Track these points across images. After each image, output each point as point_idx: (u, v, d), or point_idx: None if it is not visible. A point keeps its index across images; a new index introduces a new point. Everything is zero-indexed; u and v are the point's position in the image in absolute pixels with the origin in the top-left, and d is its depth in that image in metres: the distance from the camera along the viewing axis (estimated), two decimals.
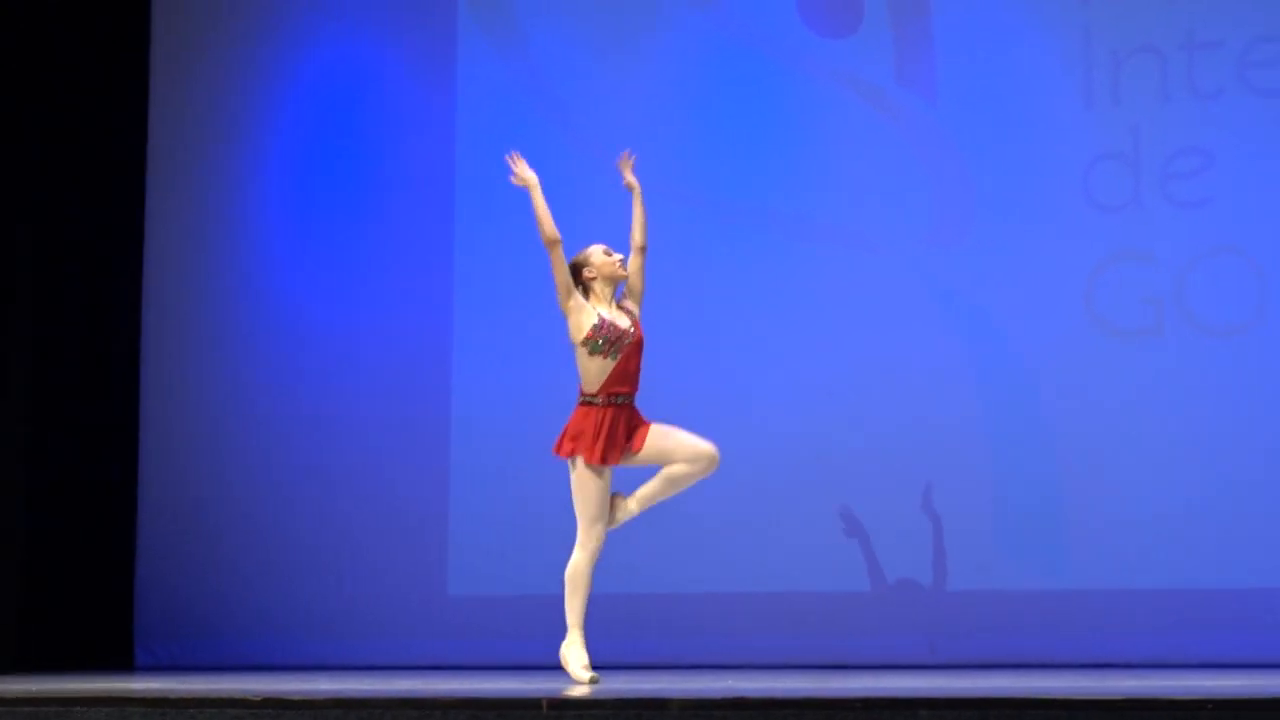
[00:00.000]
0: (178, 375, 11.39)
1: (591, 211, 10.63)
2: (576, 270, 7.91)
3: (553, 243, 7.78)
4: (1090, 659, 9.60)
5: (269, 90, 11.44)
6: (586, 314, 7.80)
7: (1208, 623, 9.67)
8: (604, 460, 7.79)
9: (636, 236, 8.01)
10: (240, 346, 11.31)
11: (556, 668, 10.22)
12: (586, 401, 7.84)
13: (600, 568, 10.48)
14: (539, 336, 10.75)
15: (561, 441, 7.90)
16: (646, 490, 7.91)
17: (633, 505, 7.95)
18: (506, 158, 7.83)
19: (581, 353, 7.82)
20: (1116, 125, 10.08)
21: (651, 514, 10.45)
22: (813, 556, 10.23)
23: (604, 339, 7.79)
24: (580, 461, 7.83)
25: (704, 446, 7.80)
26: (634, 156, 8.07)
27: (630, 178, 8.04)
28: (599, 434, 7.79)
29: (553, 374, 10.69)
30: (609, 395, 7.81)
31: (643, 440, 7.80)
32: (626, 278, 7.93)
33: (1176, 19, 9.99)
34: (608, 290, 7.90)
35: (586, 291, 7.89)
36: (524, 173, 7.85)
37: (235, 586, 11.11)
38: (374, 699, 6.49)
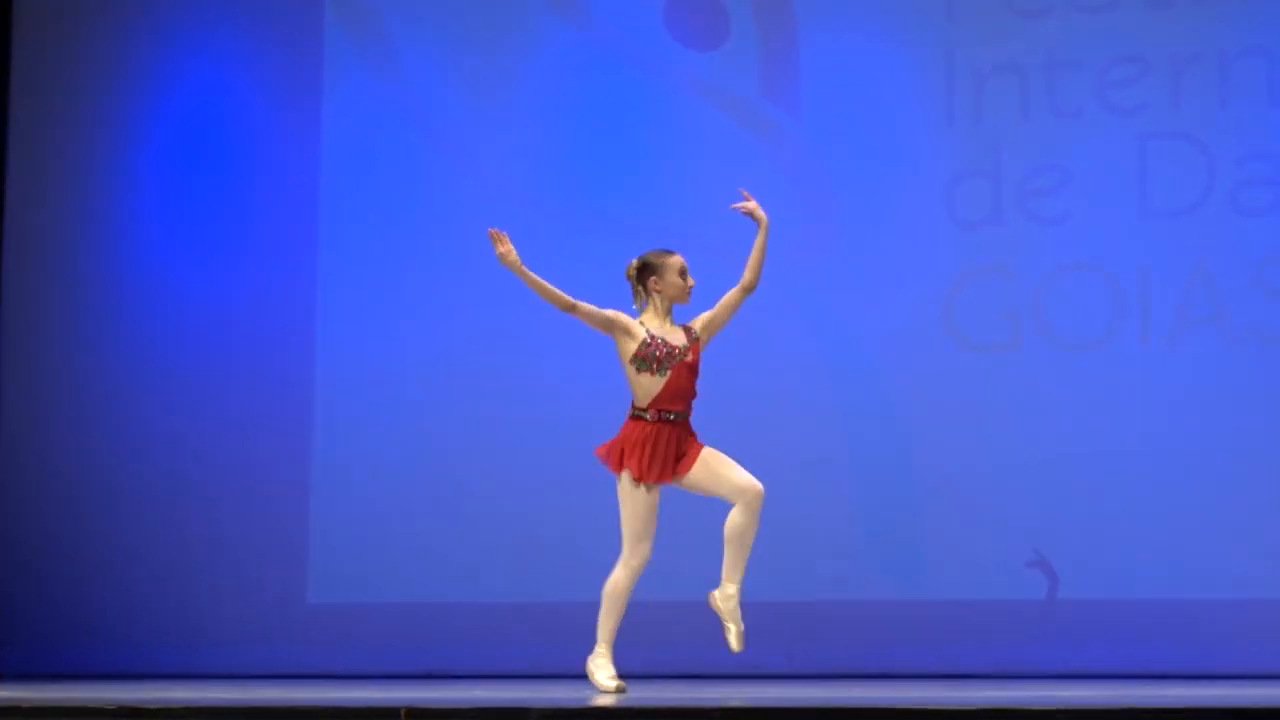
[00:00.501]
0: (34, 380, 11.27)
1: (462, 230, 10.67)
2: (644, 271, 7.71)
3: (569, 308, 7.61)
4: (947, 669, 9.71)
5: (136, 101, 11.33)
6: (633, 333, 7.61)
7: (1064, 633, 9.81)
8: (648, 478, 7.60)
9: (747, 274, 7.78)
10: (99, 351, 11.21)
11: (417, 676, 10.23)
12: (637, 415, 7.66)
13: (454, 577, 10.50)
14: (403, 344, 10.75)
15: (611, 453, 7.69)
16: (727, 565, 7.64)
17: (730, 590, 7.66)
18: (489, 234, 7.60)
19: (630, 370, 7.65)
20: (978, 142, 10.22)
21: (501, 522, 10.47)
22: (669, 565, 10.26)
23: (653, 355, 7.60)
24: (627, 476, 7.64)
25: (747, 480, 7.56)
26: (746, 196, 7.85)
27: (758, 212, 7.80)
28: (646, 450, 7.61)
29: (417, 382, 10.69)
30: (660, 412, 7.62)
31: (691, 463, 7.62)
32: (686, 303, 7.71)
33: (1038, 39, 10.14)
34: (665, 305, 7.69)
35: (646, 293, 7.70)
36: (507, 254, 7.60)
37: (92, 593, 11.00)
38: (231, 707, 6.46)
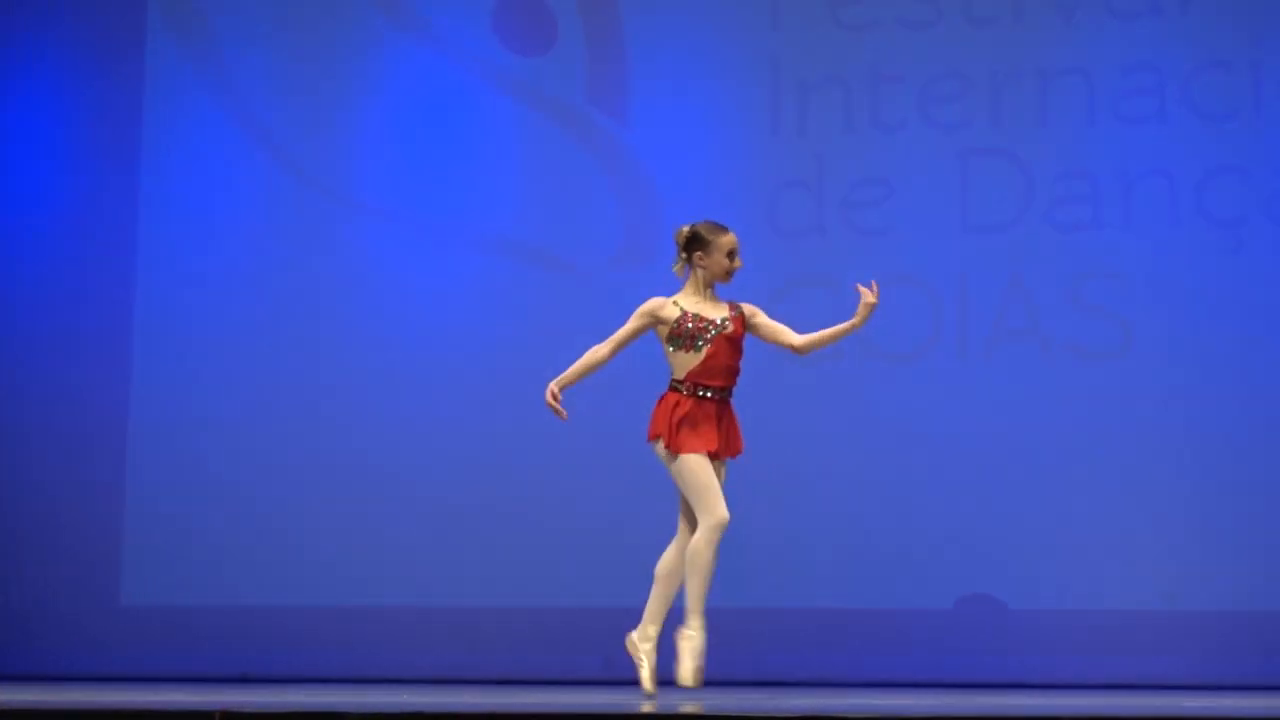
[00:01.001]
0: None
1: (287, 232, 10.63)
2: (693, 242, 7.63)
3: (613, 354, 7.72)
4: (765, 676, 9.83)
5: None
6: (666, 317, 7.62)
7: (873, 641, 9.96)
8: (678, 444, 7.51)
9: (806, 343, 7.71)
10: None
11: (233, 679, 10.16)
12: (673, 387, 7.62)
13: (272, 580, 10.45)
14: (221, 347, 10.66)
15: (653, 426, 7.62)
16: (691, 597, 7.58)
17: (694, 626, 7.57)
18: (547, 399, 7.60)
19: (667, 349, 7.64)
20: (802, 153, 10.35)
21: (318, 525, 10.44)
22: (482, 571, 10.31)
23: (686, 332, 7.58)
24: (661, 445, 7.56)
25: (714, 512, 7.53)
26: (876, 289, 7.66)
27: (865, 310, 7.62)
28: (674, 417, 7.53)
29: (233, 383, 10.63)
30: (695, 385, 7.56)
31: (733, 449, 7.60)
32: (726, 283, 7.65)
33: (862, 53, 10.30)
34: (707, 280, 7.64)
35: (689, 264, 7.66)
36: (555, 401, 7.63)
37: None
38: (42, 709, 6.41)
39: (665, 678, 7.73)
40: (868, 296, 7.67)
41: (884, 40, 10.29)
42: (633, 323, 7.71)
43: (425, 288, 10.57)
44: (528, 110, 10.56)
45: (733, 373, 7.65)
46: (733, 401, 7.69)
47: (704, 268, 7.65)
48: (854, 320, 7.69)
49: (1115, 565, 9.92)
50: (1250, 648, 9.81)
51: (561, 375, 7.71)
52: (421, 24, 10.70)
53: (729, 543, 10.08)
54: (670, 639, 7.66)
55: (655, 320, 7.66)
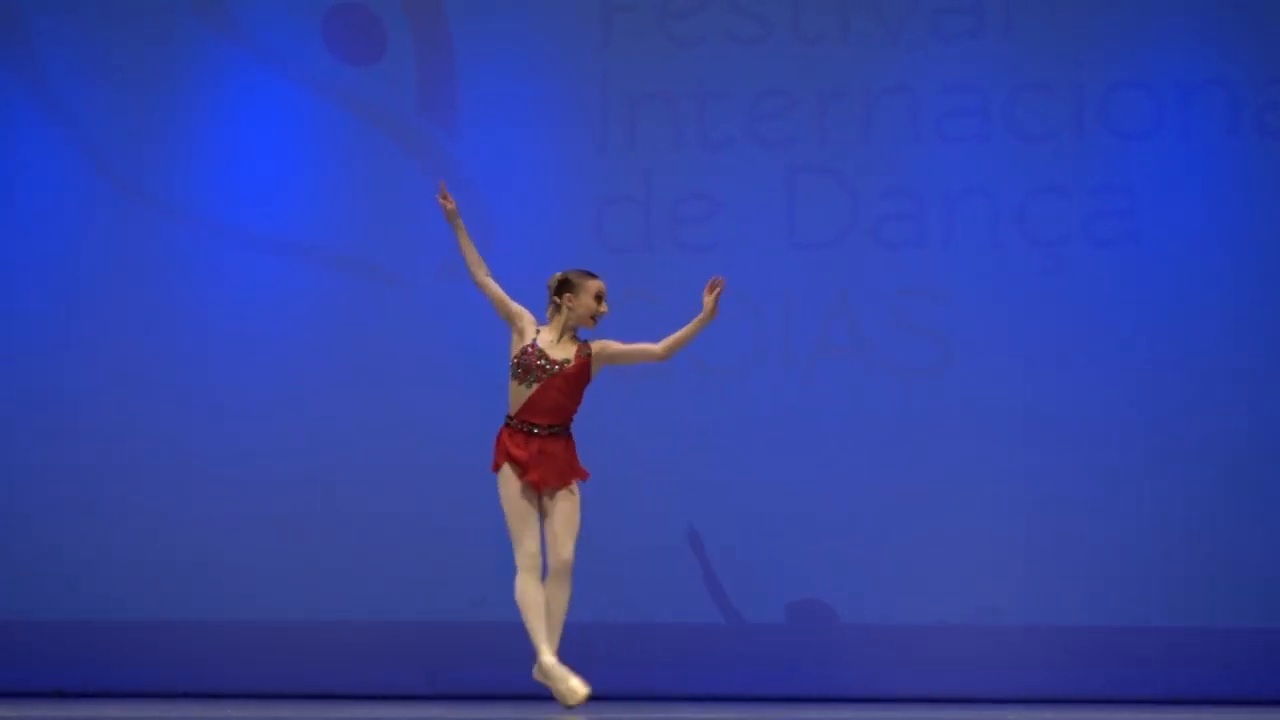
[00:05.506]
0: None
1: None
2: (563, 286, 8.11)
3: (481, 284, 8.12)
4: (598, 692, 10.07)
5: None
6: (523, 336, 8.06)
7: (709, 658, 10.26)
8: (498, 468, 7.96)
9: (666, 349, 8.15)
10: None
11: (47, 694, 10.18)
12: (506, 421, 8.05)
13: (77, 595, 10.48)
14: (31, 358, 10.65)
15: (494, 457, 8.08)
16: (547, 633, 7.91)
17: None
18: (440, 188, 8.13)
19: (510, 374, 8.06)
20: (630, 168, 10.61)
21: (126, 538, 10.49)
22: (305, 585, 10.42)
23: (524, 364, 8.01)
24: (500, 475, 8.00)
25: (567, 549, 7.95)
26: (721, 282, 8.14)
27: (710, 305, 8.09)
28: (504, 447, 7.95)
29: (48, 394, 10.66)
30: (522, 422, 7.98)
31: (551, 482, 7.94)
32: (590, 328, 8.10)
33: (690, 69, 10.55)
34: (570, 322, 8.09)
35: (558, 308, 8.09)
36: (445, 203, 8.15)
37: None
38: None
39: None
40: (713, 290, 8.13)
41: (712, 56, 10.53)
42: (515, 306, 8.16)
43: (249, 297, 10.65)
44: (356, 120, 10.69)
45: (563, 410, 8.05)
46: (572, 434, 8.11)
47: (570, 309, 8.10)
48: (703, 315, 8.13)
49: (938, 579, 10.25)
50: (1069, 663, 10.23)
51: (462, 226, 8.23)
52: (249, 33, 10.77)
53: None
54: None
55: (518, 330, 8.12)
